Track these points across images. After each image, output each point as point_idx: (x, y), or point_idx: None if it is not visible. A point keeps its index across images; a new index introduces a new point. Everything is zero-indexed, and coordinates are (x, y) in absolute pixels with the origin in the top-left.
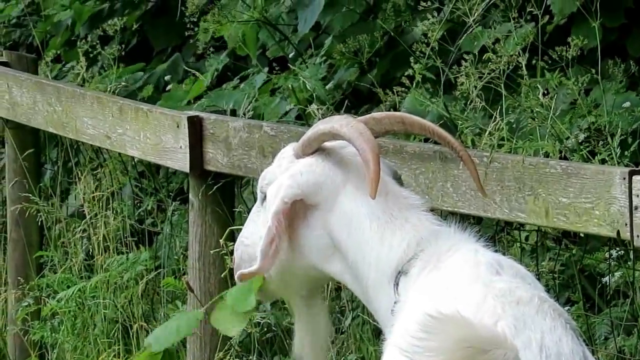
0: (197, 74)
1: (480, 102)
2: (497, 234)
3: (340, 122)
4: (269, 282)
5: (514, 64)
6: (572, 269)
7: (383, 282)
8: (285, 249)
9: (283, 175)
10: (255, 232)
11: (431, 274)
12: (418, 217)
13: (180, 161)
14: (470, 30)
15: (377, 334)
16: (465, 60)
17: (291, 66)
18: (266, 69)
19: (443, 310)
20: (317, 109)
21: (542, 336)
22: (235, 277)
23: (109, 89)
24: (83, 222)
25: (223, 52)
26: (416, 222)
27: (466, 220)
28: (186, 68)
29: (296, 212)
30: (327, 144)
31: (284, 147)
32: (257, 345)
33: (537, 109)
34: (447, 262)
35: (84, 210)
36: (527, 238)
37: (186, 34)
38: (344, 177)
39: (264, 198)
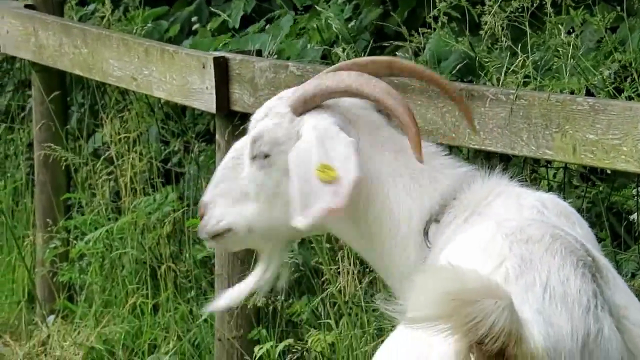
0: (223, 14)
1: (506, 41)
2: (524, 171)
3: (358, 80)
4: (250, 230)
5: (538, 1)
6: (600, 206)
7: (414, 234)
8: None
9: (324, 143)
10: (235, 188)
11: (470, 221)
12: (441, 163)
13: (207, 102)
14: None
15: None
16: None
17: (316, 7)
18: (292, 12)
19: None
20: (342, 50)
21: (548, 276)
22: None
23: (134, 32)
24: (104, 159)
25: None
26: (440, 169)
27: (493, 158)
28: (212, 10)
29: None
30: None
31: None
32: (285, 285)
33: (562, 47)
34: (486, 209)
35: (110, 153)
36: (554, 175)
37: None
38: (356, 136)
39: (263, 157)
